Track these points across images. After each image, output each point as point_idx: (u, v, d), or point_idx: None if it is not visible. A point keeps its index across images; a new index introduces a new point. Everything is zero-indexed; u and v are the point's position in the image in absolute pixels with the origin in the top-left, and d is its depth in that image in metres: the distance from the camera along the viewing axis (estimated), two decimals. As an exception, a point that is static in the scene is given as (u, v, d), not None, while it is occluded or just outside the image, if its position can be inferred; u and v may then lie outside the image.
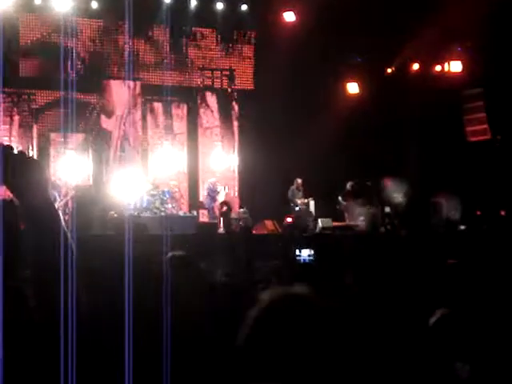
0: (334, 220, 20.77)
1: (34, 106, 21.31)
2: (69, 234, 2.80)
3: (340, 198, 21.20)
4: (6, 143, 2.77)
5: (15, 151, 2.75)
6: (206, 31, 23.16)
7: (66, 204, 19.09)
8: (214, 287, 5.39)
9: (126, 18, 18.19)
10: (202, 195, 22.29)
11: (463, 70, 22.67)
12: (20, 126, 21.08)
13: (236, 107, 23.78)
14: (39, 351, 2.85)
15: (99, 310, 3.59)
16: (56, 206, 2.88)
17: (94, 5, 21.11)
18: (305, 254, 5.41)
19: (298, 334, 2.47)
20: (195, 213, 21.50)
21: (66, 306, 2.73)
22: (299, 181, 21.50)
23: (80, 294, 2.82)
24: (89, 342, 2.90)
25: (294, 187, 21.53)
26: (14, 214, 2.97)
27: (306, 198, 21.48)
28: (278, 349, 2.46)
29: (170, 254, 4.76)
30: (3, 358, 2.65)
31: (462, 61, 22.58)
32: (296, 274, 5.52)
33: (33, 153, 21.01)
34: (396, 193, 21.12)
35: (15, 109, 20.83)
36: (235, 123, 23.72)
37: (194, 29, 22.89)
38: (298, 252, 5.42)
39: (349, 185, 21.20)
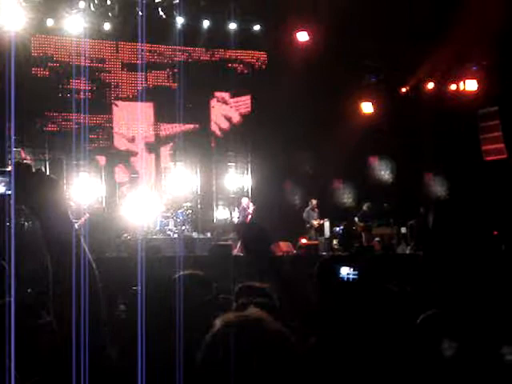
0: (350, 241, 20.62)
1: (46, 128, 21.26)
2: (89, 255, 2.76)
3: (356, 218, 21.06)
4: (23, 163, 2.74)
5: (33, 170, 2.72)
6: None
7: (80, 227, 18.95)
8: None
9: (139, 38, 18.18)
10: (236, 217, 22.04)
11: (478, 88, 22.50)
12: (32, 148, 21.01)
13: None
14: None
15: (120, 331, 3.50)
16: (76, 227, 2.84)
17: (107, 26, 21.09)
18: (344, 272, 5.21)
19: (248, 357, 2.45)
20: (209, 234, 21.36)
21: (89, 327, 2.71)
22: (314, 202, 21.42)
23: (102, 313, 2.84)
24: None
25: (309, 208, 21.46)
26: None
27: (321, 218, 21.37)
28: (229, 371, 2.45)
29: (182, 273, 4.67)
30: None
31: (477, 79, 22.40)
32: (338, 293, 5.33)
33: (46, 169, 20.96)
34: (382, 171, 21.08)
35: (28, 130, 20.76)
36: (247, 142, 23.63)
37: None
38: (338, 270, 5.24)
39: (365, 206, 21.07)
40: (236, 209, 22.64)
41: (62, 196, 2.78)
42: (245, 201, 21.43)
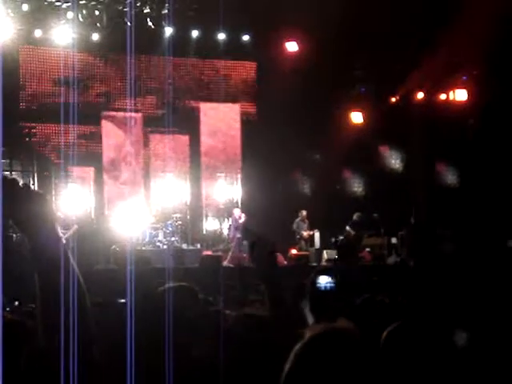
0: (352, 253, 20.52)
1: (34, 139, 21.15)
2: (76, 270, 2.70)
3: (347, 228, 20.99)
4: (9, 177, 2.68)
5: (19, 184, 2.69)
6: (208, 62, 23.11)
7: (69, 238, 18.81)
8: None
9: (127, 49, 18.10)
10: (228, 229, 21.91)
11: (468, 98, 22.49)
12: (20, 159, 20.90)
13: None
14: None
15: (108, 344, 3.44)
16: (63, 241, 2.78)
17: (95, 37, 21.01)
18: (323, 280, 5.19)
19: (338, 369, 2.51)
20: (198, 245, 21.27)
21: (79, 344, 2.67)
22: (304, 213, 21.37)
23: (92, 329, 2.81)
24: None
25: (299, 219, 21.40)
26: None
27: (311, 229, 21.32)
28: (320, 381, 2.51)
29: (169, 285, 4.60)
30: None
31: (467, 89, 22.40)
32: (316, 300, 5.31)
33: (34, 186, 20.82)
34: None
35: (16, 142, 20.64)
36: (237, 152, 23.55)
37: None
38: (316, 280, 5.22)
39: (356, 215, 21.00)
40: (226, 220, 22.55)
41: (49, 210, 2.73)
42: (237, 212, 21.31)
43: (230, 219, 21.96)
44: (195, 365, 4.02)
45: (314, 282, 5.23)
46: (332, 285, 5.17)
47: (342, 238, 20.46)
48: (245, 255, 20.63)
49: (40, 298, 2.70)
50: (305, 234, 21.33)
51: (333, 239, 20.83)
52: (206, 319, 4.57)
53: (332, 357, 2.53)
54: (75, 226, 19.19)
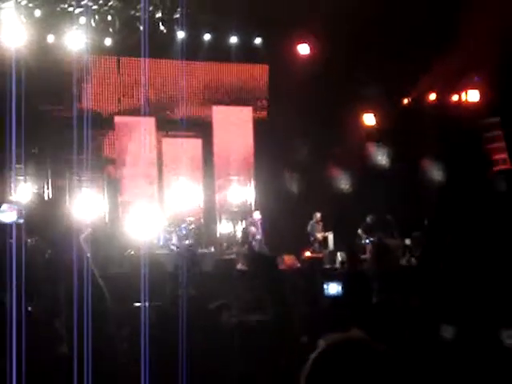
0: (354, 254, 20.50)
1: (48, 144, 21.22)
2: (97, 274, 2.79)
3: (360, 230, 20.97)
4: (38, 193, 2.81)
5: (44, 200, 2.84)
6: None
7: (83, 241, 18.87)
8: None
9: (142, 53, 18.15)
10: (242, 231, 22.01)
11: (480, 99, 22.47)
12: (35, 163, 20.95)
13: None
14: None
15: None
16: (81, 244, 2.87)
17: (108, 41, 21.09)
18: (333, 289, 5.26)
19: (354, 378, 2.55)
20: (212, 249, 21.31)
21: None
22: (318, 215, 21.41)
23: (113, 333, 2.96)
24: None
25: (313, 221, 21.44)
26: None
27: (325, 231, 21.35)
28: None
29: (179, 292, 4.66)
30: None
31: (479, 90, 22.37)
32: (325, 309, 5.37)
33: (48, 191, 20.90)
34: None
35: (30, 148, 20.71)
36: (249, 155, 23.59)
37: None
38: (325, 286, 5.29)
39: (369, 218, 20.99)
40: (240, 222, 22.61)
41: (63, 217, 2.84)
42: (256, 214, 21.48)
43: (245, 221, 22.07)
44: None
45: (323, 290, 5.30)
46: (341, 292, 5.24)
47: (374, 240, 20.43)
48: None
49: (63, 303, 2.78)
50: (319, 235, 21.35)
51: (367, 241, 20.77)
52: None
53: (347, 367, 2.57)
54: (89, 230, 19.21)
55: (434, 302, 7.65)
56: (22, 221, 2.53)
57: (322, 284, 5.42)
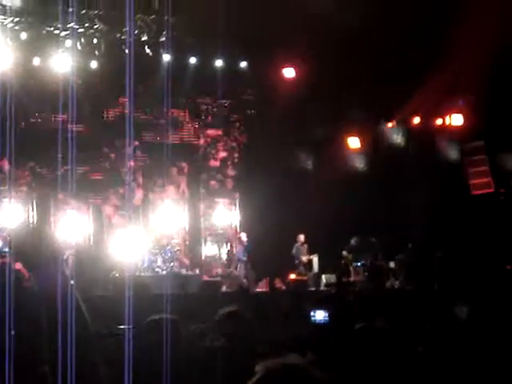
0: (338, 275, 20.59)
1: (33, 165, 21.20)
2: (80, 301, 2.82)
3: (345, 252, 21.03)
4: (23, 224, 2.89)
5: (29, 230, 2.91)
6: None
7: (66, 261, 18.85)
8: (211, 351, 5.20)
9: (126, 76, 18.17)
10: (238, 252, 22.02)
11: (464, 123, 22.63)
12: (20, 186, 20.91)
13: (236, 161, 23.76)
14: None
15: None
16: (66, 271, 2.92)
17: (93, 64, 21.13)
18: (319, 315, 5.29)
19: None
20: (197, 271, 21.32)
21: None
22: (302, 237, 21.48)
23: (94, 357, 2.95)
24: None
25: (298, 244, 21.50)
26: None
27: (309, 253, 21.40)
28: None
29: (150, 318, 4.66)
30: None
31: (463, 114, 22.53)
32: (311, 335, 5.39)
33: (33, 213, 20.87)
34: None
35: (15, 170, 20.65)
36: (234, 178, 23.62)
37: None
38: (312, 313, 5.31)
39: (353, 240, 21.06)
40: (225, 245, 22.66)
41: (48, 244, 2.86)
42: (243, 236, 21.58)
43: (229, 244, 22.16)
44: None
45: (309, 317, 5.32)
46: (327, 319, 5.26)
47: (369, 261, 20.50)
48: (245, 280, 20.76)
49: (48, 334, 2.80)
50: (304, 258, 21.40)
51: (358, 264, 20.82)
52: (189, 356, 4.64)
53: None
54: (71, 251, 19.19)
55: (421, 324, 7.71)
56: (7, 249, 2.60)
57: (309, 311, 5.44)
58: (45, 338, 2.95)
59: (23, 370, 3.71)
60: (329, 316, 5.27)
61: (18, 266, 2.98)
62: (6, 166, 19.97)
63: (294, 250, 21.52)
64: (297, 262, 21.41)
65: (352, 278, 20.85)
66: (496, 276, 18.26)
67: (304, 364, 2.69)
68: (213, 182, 23.47)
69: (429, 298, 16.21)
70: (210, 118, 23.58)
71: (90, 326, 2.96)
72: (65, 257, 18.95)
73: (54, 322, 2.82)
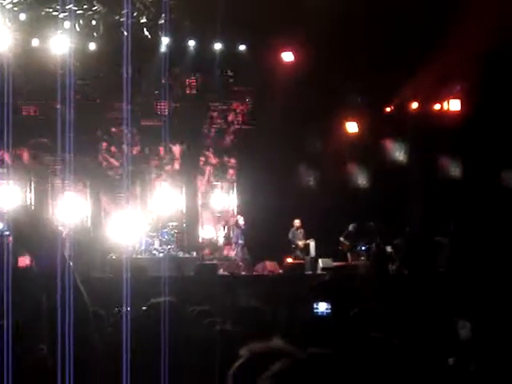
0: (334, 260, 20.63)
1: (31, 149, 21.21)
2: (79, 284, 2.85)
3: (342, 238, 21.06)
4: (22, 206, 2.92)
5: (28, 212, 2.92)
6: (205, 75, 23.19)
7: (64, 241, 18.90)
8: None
9: (124, 59, 18.16)
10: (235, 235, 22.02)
11: (462, 108, 22.61)
12: (18, 169, 20.91)
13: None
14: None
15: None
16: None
17: (92, 46, 21.10)
18: (322, 307, 5.30)
19: None
20: (194, 253, 21.36)
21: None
22: (297, 222, 21.50)
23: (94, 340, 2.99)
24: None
25: (293, 229, 21.53)
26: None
27: (306, 238, 21.42)
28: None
29: (152, 301, 4.68)
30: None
31: (460, 99, 22.52)
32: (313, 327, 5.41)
33: (31, 195, 20.90)
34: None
35: (13, 151, 20.66)
36: (233, 161, 23.59)
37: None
38: (315, 305, 5.33)
39: (351, 226, 21.08)
40: (222, 228, 22.69)
41: (48, 227, 2.87)
42: (241, 219, 21.61)
43: (227, 227, 22.22)
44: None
45: (312, 309, 5.32)
46: (329, 311, 5.27)
47: (372, 246, 20.47)
48: (241, 264, 20.83)
49: (48, 313, 2.82)
50: (300, 243, 21.43)
51: (363, 247, 20.78)
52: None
53: (272, 374, 2.59)
54: (66, 230, 19.22)
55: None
56: (7, 233, 2.62)
57: (311, 303, 5.47)
58: (44, 319, 2.99)
59: (23, 351, 3.74)
60: (331, 307, 5.28)
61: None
62: (4, 151, 19.99)
63: (290, 235, 21.57)
64: (293, 246, 21.45)
65: (350, 263, 20.90)
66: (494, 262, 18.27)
67: (288, 347, 2.75)
68: (211, 164, 23.47)
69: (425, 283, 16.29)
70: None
71: (89, 307, 2.99)
72: (64, 234, 19.05)
73: (53, 303, 2.85)
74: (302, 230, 21.59)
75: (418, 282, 16.61)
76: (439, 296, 13.54)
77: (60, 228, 19.10)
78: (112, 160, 22.15)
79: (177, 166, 22.89)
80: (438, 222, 21.21)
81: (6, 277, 3.01)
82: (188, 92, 23.26)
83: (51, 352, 2.89)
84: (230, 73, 23.25)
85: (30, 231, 2.84)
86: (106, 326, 6.10)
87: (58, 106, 18.78)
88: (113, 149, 22.26)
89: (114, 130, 22.09)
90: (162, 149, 22.65)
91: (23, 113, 21.28)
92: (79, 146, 21.01)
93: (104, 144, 22.16)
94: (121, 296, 4.26)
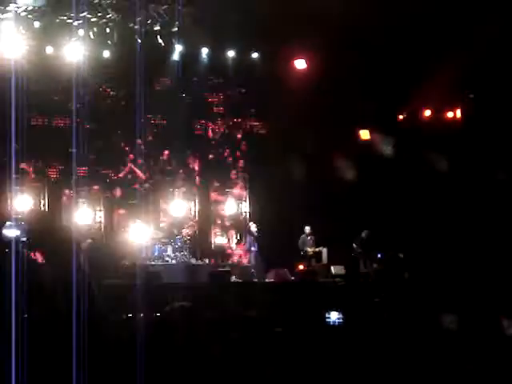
0: (347, 267, 20.67)
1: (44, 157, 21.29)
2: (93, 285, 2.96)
3: (355, 245, 21.09)
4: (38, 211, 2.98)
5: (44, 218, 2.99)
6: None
7: (82, 252, 18.99)
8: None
9: (137, 68, 18.26)
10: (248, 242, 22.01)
11: (473, 115, 22.60)
12: (32, 176, 20.95)
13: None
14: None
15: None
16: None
17: (106, 54, 21.19)
18: (334, 316, 5.38)
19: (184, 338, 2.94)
20: (207, 260, 21.38)
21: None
22: (308, 229, 21.55)
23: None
24: None
25: (304, 236, 21.58)
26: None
27: (316, 246, 21.42)
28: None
29: (176, 305, 4.76)
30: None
31: (472, 107, 22.53)
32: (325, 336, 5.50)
33: (44, 201, 20.96)
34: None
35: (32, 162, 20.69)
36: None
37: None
38: (327, 314, 5.41)
39: (364, 233, 21.12)
40: (236, 235, 22.73)
41: (67, 237, 2.98)
42: (253, 226, 21.62)
43: (239, 235, 22.24)
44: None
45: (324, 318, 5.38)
46: (341, 321, 5.33)
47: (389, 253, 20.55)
48: (253, 271, 20.86)
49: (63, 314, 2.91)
50: (309, 250, 21.45)
51: (378, 255, 20.86)
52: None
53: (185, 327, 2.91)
54: (88, 240, 19.37)
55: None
56: (24, 238, 2.66)
57: (323, 312, 5.54)
58: (60, 322, 3.08)
59: (39, 354, 3.82)
60: (343, 317, 5.35)
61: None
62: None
63: (300, 242, 21.60)
64: (302, 253, 21.47)
65: (363, 270, 20.97)
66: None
67: (197, 306, 3.22)
68: (224, 172, 23.53)
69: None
70: (222, 108, 23.64)
71: (105, 312, 3.08)
72: (84, 245, 19.17)
73: (66, 307, 2.94)
74: (312, 237, 21.62)
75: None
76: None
77: (75, 233, 19.24)
78: (138, 172, 22.13)
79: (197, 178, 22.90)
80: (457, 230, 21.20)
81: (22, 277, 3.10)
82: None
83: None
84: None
85: (43, 236, 2.94)
86: (120, 330, 6.18)
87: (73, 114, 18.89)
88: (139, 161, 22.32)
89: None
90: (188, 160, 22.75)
91: (36, 122, 21.31)
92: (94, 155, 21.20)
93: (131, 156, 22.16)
94: (133, 302, 4.34)
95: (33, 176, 20.65)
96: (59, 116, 21.19)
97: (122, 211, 21.70)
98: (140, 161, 21.86)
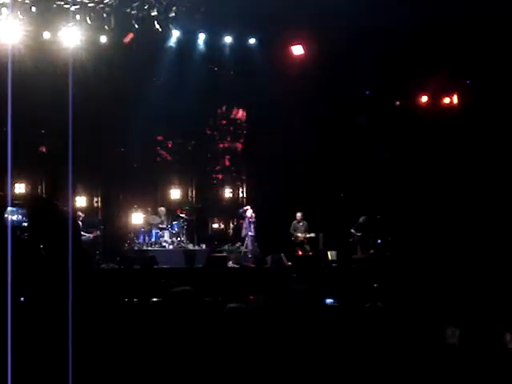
0: (345, 252, 20.73)
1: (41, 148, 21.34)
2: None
3: (352, 230, 21.15)
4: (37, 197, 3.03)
5: (45, 204, 3.07)
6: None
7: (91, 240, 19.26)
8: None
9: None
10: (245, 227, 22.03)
11: (471, 101, 22.66)
12: (30, 165, 20.93)
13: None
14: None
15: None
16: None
17: (103, 39, 21.19)
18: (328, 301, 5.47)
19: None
20: (204, 246, 21.46)
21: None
22: (299, 214, 21.54)
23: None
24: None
25: (295, 221, 21.56)
26: None
27: (309, 232, 21.41)
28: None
29: (178, 289, 4.76)
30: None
31: (470, 93, 22.57)
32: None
33: (42, 187, 20.97)
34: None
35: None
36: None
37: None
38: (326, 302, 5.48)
39: (361, 218, 21.18)
40: (231, 220, 22.79)
41: (64, 221, 3.07)
42: (249, 211, 21.62)
43: (236, 220, 22.29)
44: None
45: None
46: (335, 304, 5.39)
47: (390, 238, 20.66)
48: (250, 256, 20.89)
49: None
50: (300, 236, 21.46)
51: (378, 240, 20.99)
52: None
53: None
54: (98, 232, 19.52)
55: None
56: (25, 224, 2.76)
57: (322, 301, 5.60)
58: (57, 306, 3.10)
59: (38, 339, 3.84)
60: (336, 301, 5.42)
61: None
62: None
63: (291, 228, 21.58)
64: (292, 238, 21.45)
65: (359, 255, 21.04)
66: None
67: (197, 290, 3.54)
68: (220, 157, 23.59)
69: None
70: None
71: (103, 296, 3.12)
72: (92, 235, 19.29)
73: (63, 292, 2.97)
74: (304, 223, 21.59)
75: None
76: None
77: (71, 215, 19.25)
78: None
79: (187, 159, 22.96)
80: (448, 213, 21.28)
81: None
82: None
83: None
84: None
85: (42, 221, 3.01)
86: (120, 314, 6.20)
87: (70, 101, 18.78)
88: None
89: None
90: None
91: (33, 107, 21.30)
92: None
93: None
94: (131, 287, 4.36)
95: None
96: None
97: (121, 196, 21.78)
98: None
